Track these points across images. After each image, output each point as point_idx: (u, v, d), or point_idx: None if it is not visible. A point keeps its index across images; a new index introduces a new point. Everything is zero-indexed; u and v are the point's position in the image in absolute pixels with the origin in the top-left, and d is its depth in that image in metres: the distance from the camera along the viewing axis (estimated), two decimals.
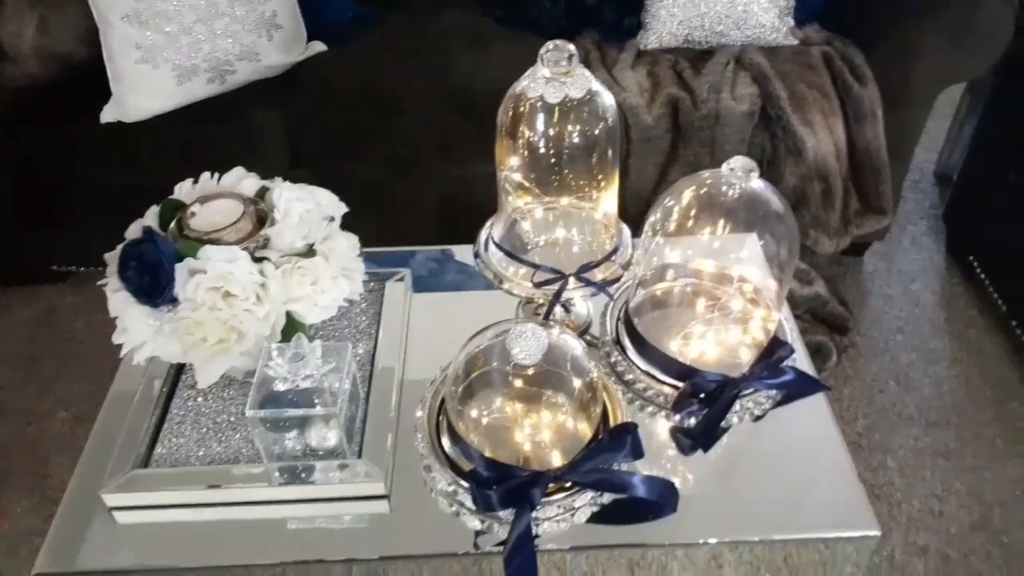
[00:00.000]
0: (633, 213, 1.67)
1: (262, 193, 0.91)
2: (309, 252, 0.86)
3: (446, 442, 0.82)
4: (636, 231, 0.98)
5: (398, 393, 0.91)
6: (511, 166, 0.87)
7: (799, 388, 0.93)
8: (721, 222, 0.87)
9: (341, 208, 0.95)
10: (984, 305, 1.91)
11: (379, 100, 1.74)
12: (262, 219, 0.88)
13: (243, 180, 0.93)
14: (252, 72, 1.73)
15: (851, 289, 1.97)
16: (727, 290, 0.98)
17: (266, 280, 0.82)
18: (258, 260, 0.83)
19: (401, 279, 1.04)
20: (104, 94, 1.68)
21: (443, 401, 0.84)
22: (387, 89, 1.75)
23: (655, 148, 1.64)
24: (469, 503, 0.77)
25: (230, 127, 1.73)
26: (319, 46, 1.84)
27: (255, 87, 1.78)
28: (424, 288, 1.09)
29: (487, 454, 0.78)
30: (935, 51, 1.64)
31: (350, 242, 0.91)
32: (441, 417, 0.84)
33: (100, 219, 1.13)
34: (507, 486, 0.76)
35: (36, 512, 1.53)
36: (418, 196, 1.78)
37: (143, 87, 1.62)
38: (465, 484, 0.78)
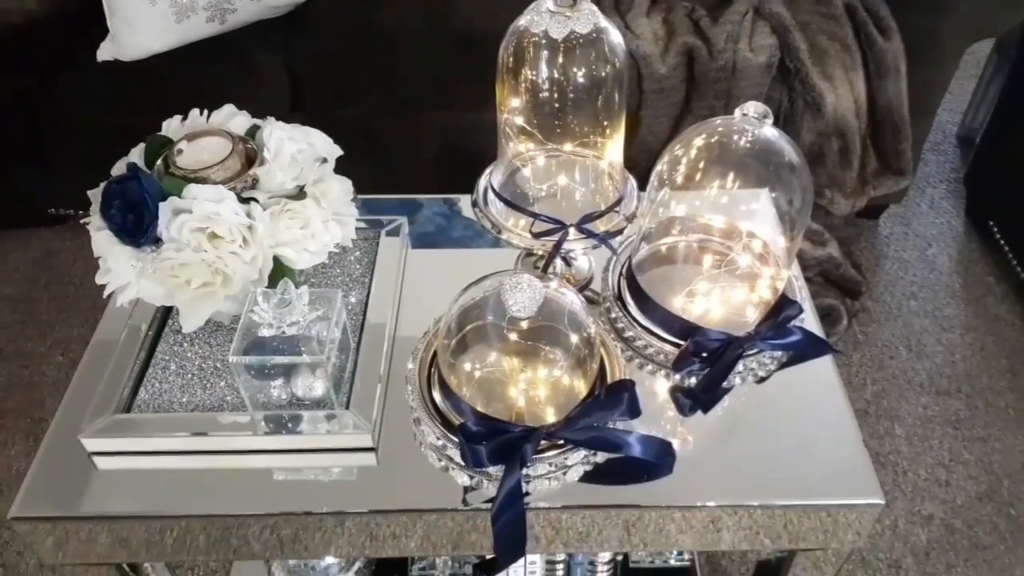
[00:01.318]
0: (644, 167, 1.60)
1: (253, 132, 0.88)
2: (300, 194, 0.83)
3: (437, 396, 0.80)
4: (643, 186, 0.95)
5: (390, 344, 0.88)
6: (512, 108, 0.83)
7: (806, 349, 0.90)
8: (732, 174, 0.83)
9: (335, 150, 0.91)
10: (1002, 272, 1.87)
11: (379, 42, 1.70)
12: (252, 159, 0.85)
13: (234, 118, 0.90)
14: (254, 11, 1.68)
15: (865, 252, 1.93)
16: (735, 246, 0.94)
17: (254, 222, 0.79)
18: (246, 201, 0.80)
19: (397, 228, 1.01)
20: (103, 32, 1.64)
21: (435, 354, 0.81)
22: (387, 30, 1.70)
23: (668, 99, 1.59)
24: (458, 458, 0.75)
25: (230, 69, 1.70)
26: None
27: (257, 28, 1.74)
28: (421, 239, 1.06)
29: (479, 409, 0.76)
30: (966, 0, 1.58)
31: (343, 186, 0.88)
32: (433, 370, 0.81)
33: (97, 161, 1.10)
34: (497, 442, 0.74)
35: (29, 455, 1.53)
36: (416, 142, 1.75)
37: (140, 24, 1.58)
38: (455, 439, 0.76)
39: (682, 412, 0.88)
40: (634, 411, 0.78)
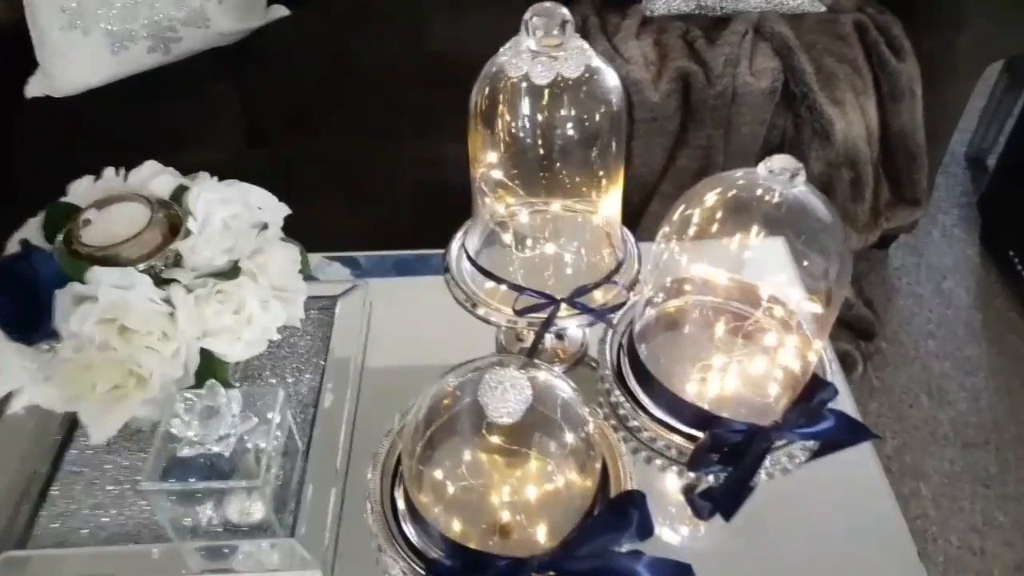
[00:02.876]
0: (636, 203, 1.51)
1: (180, 193, 0.75)
2: (233, 271, 0.70)
3: (404, 515, 0.67)
4: (636, 223, 0.83)
5: (347, 443, 0.75)
6: (488, 162, 0.71)
7: (843, 437, 0.78)
8: (754, 233, 0.71)
9: (280, 211, 0.79)
10: None
11: (346, 71, 1.58)
12: (177, 228, 0.72)
13: (157, 177, 0.77)
14: (201, 40, 1.56)
15: (876, 288, 1.82)
16: (755, 312, 0.82)
17: (174, 310, 0.66)
18: (166, 282, 0.67)
19: (358, 294, 0.88)
20: (32, 65, 1.50)
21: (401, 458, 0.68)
22: (355, 58, 1.58)
23: (662, 130, 1.47)
24: None
25: (179, 103, 1.57)
26: (280, 10, 1.68)
27: (207, 57, 1.61)
28: (389, 302, 0.94)
29: (454, 530, 0.64)
30: (985, 17, 1.48)
31: (288, 255, 0.76)
32: (399, 480, 0.68)
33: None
34: None
35: None
36: (392, 179, 1.62)
37: (73, 56, 1.45)
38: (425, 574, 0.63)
39: (699, 516, 0.76)
40: (645, 531, 0.66)
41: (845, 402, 0.84)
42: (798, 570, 0.73)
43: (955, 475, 1.45)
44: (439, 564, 0.61)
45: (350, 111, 1.59)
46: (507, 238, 0.75)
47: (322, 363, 0.82)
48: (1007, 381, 1.62)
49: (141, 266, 0.67)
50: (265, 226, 0.74)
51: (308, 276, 0.80)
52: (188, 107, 1.59)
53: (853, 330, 1.63)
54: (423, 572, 0.63)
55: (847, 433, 0.78)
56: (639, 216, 1.50)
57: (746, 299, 0.83)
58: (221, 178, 0.78)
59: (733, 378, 0.80)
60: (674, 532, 0.82)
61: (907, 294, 1.82)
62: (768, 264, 0.84)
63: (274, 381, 0.80)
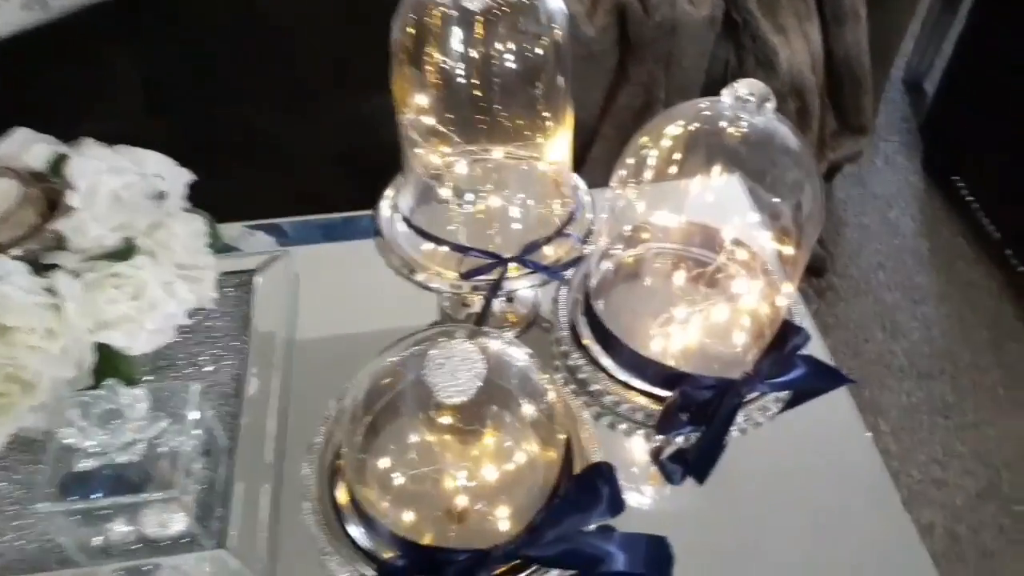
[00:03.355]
0: (576, 147, 1.44)
1: (59, 164, 0.65)
2: (127, 251, 0.61)
3: (348, 512, 0.60)
4: (577, 170, 0.76)
5: (280, 434, 0.68)
6: (417, 107, 0.63)
7: (817, 384, 0.73)
8: (718, 171, 0.65)
9: (182, 177, 0.70)
10: (971, 231, 1.76)
11: (253, 21, 1.45)
12: (56, 205, 0.62)
13: (32, 146, 0.67)
14: None
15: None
16: (718, 257, 0.77)
17: (60, 300, 0.57)
18: (46, 269, 0.58)
19: (280, 265, 0.80)
20: None
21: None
22: (262, 6, 1.46)
23: (600, 67, 1.40)
24: None
25: (66, 67, 1.43)
26: None
27: (95, 15, 1.47)
28: (318, 272, 0.86)
29: (405, 525, 0.57)
30: None
31: (193, 228, 0.67)
32: (341, 472, 0.61)
33: None
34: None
35: None
36: (313, 142, 1.52)
37: None
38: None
39: (671, 481, 0.72)
40: (616, 506, 0.60)
41: (815, 346, 0.79)
42: (778, 526, 0.69)
43: (913, 407, 1.44)
44: (389, 566, 0.55)
45: (258, 69, 1.47)
46: (443, 192, 0.68)
47: (245, 346, 0.73)
48: (958, 308, 1.62)
49: (14, 252, 0.58)
50: (163, 195, 0.65)
51: (223, 250, 0.72)
52: (77, 72, 1.45)
53: (805, 268, 1.60)
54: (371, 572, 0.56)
55: (821, 380, 0.74)
56: (580, 162, 1.43)
57: (708, 244, 0.78)
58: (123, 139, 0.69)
59: (698, 330, 0.74)
60: (644, 497, 0.78)
61: (854, 226, 1.80)
62: (731, 204, 0.78)
63: (190, 371, 0.71)
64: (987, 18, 1.70)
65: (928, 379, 1.49)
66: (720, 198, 0.74)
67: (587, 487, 0.60)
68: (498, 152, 0.68)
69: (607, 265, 0.77)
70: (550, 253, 0.69)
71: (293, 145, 1.54)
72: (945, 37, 2.09)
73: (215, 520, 0.61)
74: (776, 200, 0.66)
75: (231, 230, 0.92)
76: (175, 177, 0.70)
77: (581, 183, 0.74)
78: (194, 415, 0.59)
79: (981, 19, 1.73)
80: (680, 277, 0.77)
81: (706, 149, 0.65)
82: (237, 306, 0.78)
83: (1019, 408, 1.44)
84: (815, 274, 1.61)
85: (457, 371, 0.54)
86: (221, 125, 1.46)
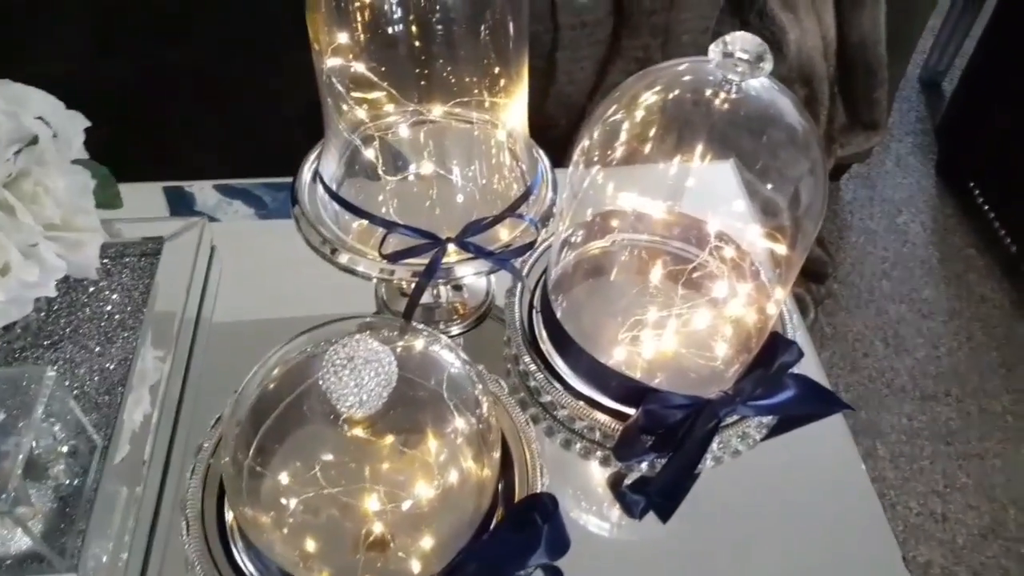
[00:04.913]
0: (563, 126, 1.35)
1: None
2: None
3: (234, 534, 0.51)
4: (563, 153, 0.67)
5: (168, 436, 0.58)
6: (340, 47, 0.53)
7: (808, 409, 0.65)
8: (700, 148, 0.56)
9: (77, 123, 0.60)
10: (984, 242, 1.68)
11: None
12: None
13: None
14: None
15: (826, 223, 1.71)
16: (700, 254, 0.68)
17: None
18: None
19: (193, 235, 0.70)
20: None
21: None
22: None
23: (591, 38, 1.31)
24: None
25: (12, 3, 1.34)
26: None
27: None
28: (246, 252, 0.77)
29: (294, 555, 0.48)
30: None
31: (75, 182, 0.57)
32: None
33: None
34: None
35: None
36: (276, 92, 1.42)
37: None
38: None
39: (630, 514, 0.63)
40: (558, 547, 0.51)
41: (808, 363, 0.70)
42: (756, 572, 0.60)
43: (914, 432, 1.36)
44: None
45: (218, 8, 1.37)
46: (370, 153, 0.58)
47: (135, 326, 0.64)
48: (967, 325, 1.53)
49: None
50: (36, 140, 0.55)
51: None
52: (20, 11, 1.35)
53: (803, 272, 1.51)
54: None
55: (813, 404, 0.65)
56: (566, 143, 1.34)
57: (689, 237, 0.68)
58: (67, 94, 0.59)
59: (672, 338, 0.65)
60: (602, 528, 0.69)
61: (860, 230, 1.71)
62: (718, 191, 0.69)
63: (80, 354, 0.62)
64: (1013, 16, 1.61)
65: (932, 401, 1.40)
66: (705, 182, 0.65)
67: (523, 523, 0.51)
68: (439, 111, 0.59)
69: (570, 256, 0.67)
70: (501, 236, 0.59)
71: (252, 99, 1.44)
72: (967, 35, 2.02)
73: (76, 536, 0.52)
74: (770, 186, 0.57)
75: (207, 197, 0.82)
76: (65, 122, 0.61)
77: (543, 156, 0.65)
78: (51, 407, 0.49)
79: (1006, 17, 1.64)
80: (654, 274, 0.68)
81: (687, 122, 0.55)
82: (140, 279, 0.68)
83: None
84: (815, 279, 1.52)
85: (361, 376, 0.44)
86: (174, 71, 1.36)
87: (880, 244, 1.68)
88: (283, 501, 0.49)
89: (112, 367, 0.62)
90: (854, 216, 1.74)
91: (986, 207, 1.66)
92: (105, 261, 0.69)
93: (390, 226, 0.54)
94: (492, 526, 0.52)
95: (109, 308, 0.66)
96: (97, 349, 0.63)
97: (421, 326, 0.55)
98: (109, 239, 0.62)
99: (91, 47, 1.36)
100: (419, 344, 0.53)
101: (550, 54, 1.33)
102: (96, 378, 0.61)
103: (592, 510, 0.70)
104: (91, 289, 0.67)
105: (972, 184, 1.70)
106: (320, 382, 0.45)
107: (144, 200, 0.85)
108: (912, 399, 1.40)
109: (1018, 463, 1.33)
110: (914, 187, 1.81)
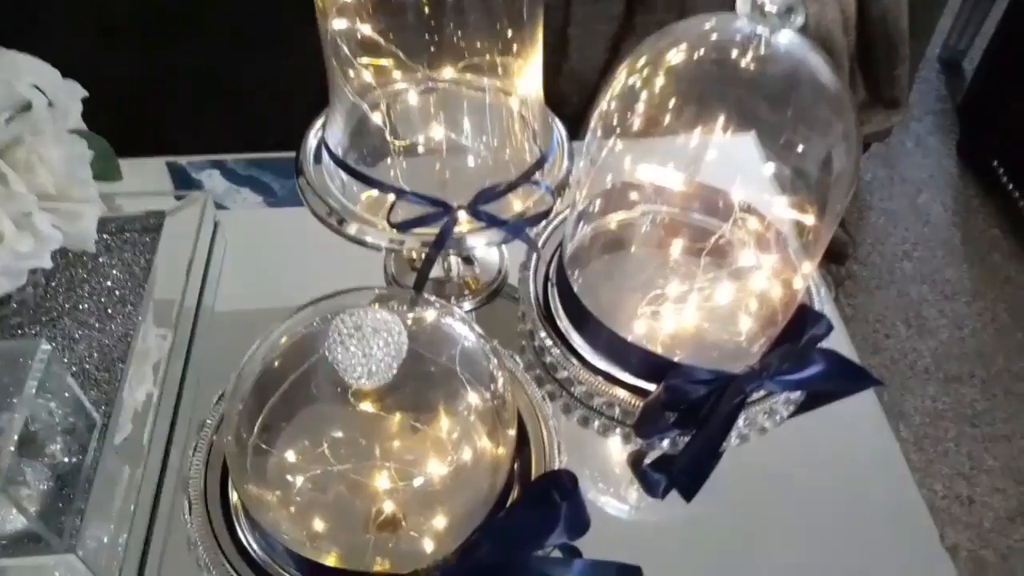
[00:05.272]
0: (575, 104, 1.32)
1: None
2: None
3: (239, 514, 0.49)
4: (576, 131, 0.64)
5: (166, 417, 0.56)
6: (346, 10, 0.51)
7: (837, 385, 0.62)
8: (725, 114, 0.53)
9: (73, 92, 0.59)
10: (1009, 222, 1.64)
11: None
12: None
13: None
14: None
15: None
16: (723, 226, 0.65)
17: None
18: None
19: (195, 210, 0.68)
20: None
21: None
22: None
23: (604, 13, 1.28)
24: None
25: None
26: None
27: None
28: (250, 228, 0.75)
29: (309, 535, 0.46)
30: None
31: (71, 152, 0.55)
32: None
33: None
34: None
35: None
36: (272, 82, 1.39)
37: None
38: None
39: (651, 493, 0.60)
40: (578, 526, 0.49)
41: (838, 338, 0.68)
42: (784, 555, 0.59)
43: (938, 414, 1.33)
44: None
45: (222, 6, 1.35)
46: (377, 118, 0.56)
47: (134, 301, 0.62)
48: (991, 306, 1.49)
49: None
50: (29, 107, 0.53)
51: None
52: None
53: (824, 253, 1.48)
54: None
55: (843, 380, 0.62)
56: (578, 122, 1.31)
57: (712, 208, 0.66)
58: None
59: (695, 313, 0.63)
60: (622, 509, 0.66)
61: (880, 211, 1.67)
62: (741, 159, 0.66)
63: (81, 331, 0.60)
64: None
65: (956, 383, 1.37)
66: (728, 151, 0.62)
67: (540, 501, 0.49)
68: (448, 74, 0.56)
69: (587, 229, 0.65)
70: (514, 205, 0.57)
71: (251, 87, 1.42)
72: (987, 14, 1.98)
73: (74, 516, 0.50)
74: (801, 148, 0.54)
75: (215, 184, 0.80)
76: (62, 91, 0.59)
77: (559, 125, 0.62)
78: (46, 383, 0.47)
79: None
80: (675, 247, 0.65)
81: (712, 82, 0.53)
82: (141, 254, 0.66)
83: None
84: (835, 260, 1.49)
85: (370, 346, 0.42)
86: (178, 62, 1.34)
87: (901, 225, 1.65)
88: (289, 478, 0.47)
89: (112, 344, 0.60)
90: (873, 196, 1.70)
91: (1010, 186, 1.62)
92: (105, 236, 0.67)
93: (398, 193, 0.52)
94: (508, 505, 0.50)
95: (109, 284, 0.64)
96: (97, 325, 0.62)
97: (433, 298, 0.53)
98: (107, 211, 0.60)
99: (90, 34, 1.34)
100: (431, 316, 0.51)
101: (562, 30, 1.30)
102: (96, 355, 0.59)
103: (611, 490, 0.67)
104: (90, 265, 0.65)
105: (996, 163, 1.66)
106: (327, 353, 0.43)
107: (148, 179, 0.83)
108: (936, 381, 1.37)
109: None
110: (935, 167, 1.78)
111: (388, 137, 0.55)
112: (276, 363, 0.49)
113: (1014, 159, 1.64)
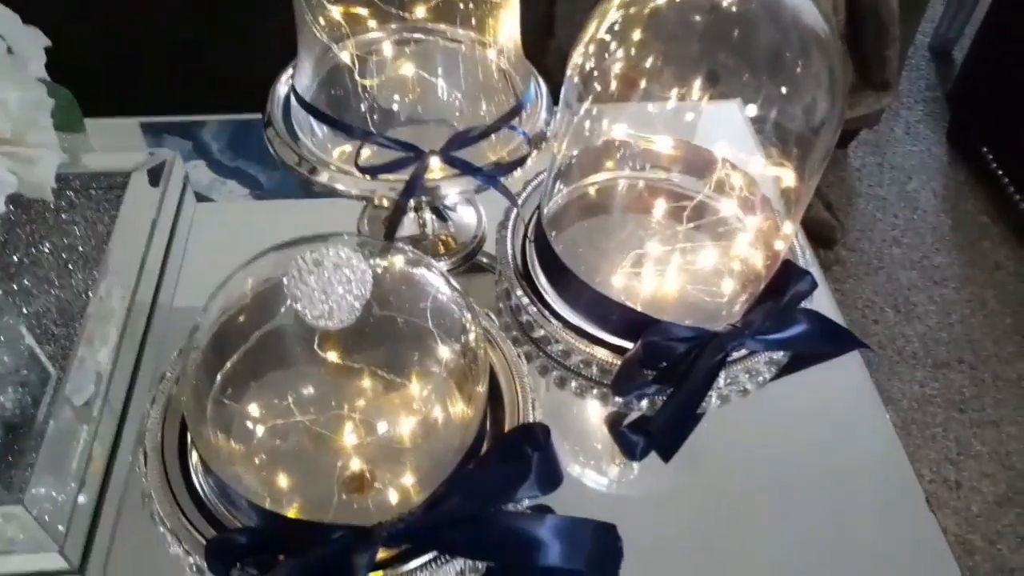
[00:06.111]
0: (562, 83, 1.30)
1: None
2: None
3: (198, 469, 0.47)
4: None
5: (130, 368, 0.54)
6: None
7: (821, 346, 0.61)
8: (708, 62, 0.52)
9: (36, 40, 0.57)
10: (998, 208, 1.63)
11: None
12: None
13: None
14: None
15: (834, 189, 1.67)
16: (706, 184, 0.64)
17: None
18: None
19: (160, 166, 0.67)
20: None
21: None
22: None
23: None
24: None
25: None
26: None
27: None
28: (219, 185, 0.73)
29: (272, 489, 0.45)
30: None
31: (30, 96, 0.53)
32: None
33: None
34: (303, 560, 0.42)
35: None
36: (260, 53, 1.37)
37: None
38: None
39: (630, 456, 0.59)
40: (550, 479, 0.47)
41: (822, 301, 0.66)
42: (763, 519, 0.57)
43: (926, 399, 1.32)
44: (223, 542, 0.42)
45: None
46: (346, 57, 0.54)
47: (98, 256, 0.60)
48: (980, 292, 1.49)
49: None
50: None
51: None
52: None
53: (811, 237, 1.46)
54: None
55: (827, 341, 0.61)
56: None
57: (693, 167, 0.64)
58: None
59: (676, 272, 0.61)
60: (598, 473, 0.65)
61: (869, 197, 1.66)
62: (724, 121, 0.65)
63: (34, 283, 0.58)
64: None
65: (944, 368, 1.36)
66: (711, 109, 0.60)
67: (512, 454, 0.47)
68: (422, 15, 0.54)
69: (566, 188, 0.63)
70: (489, 154, 0.55)
71: (236, 60, 1.40)
72: (977, 2, 1.98)
73: (25, 470, 0.48)
74: (783, 92, 0.52)
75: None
76: (22, 37, 0.57)
77: (537, 75, 0.61)
78: None
79: None
80: (657, 207, 0.64)
81: (690, 31, 0.51)
82: (106, 212, 0.64)
83: None
84: (824, 244, 1.48)
85: (331, 282, 0.40)
86: (148, 32, 1.32)
87: (890, 211, 1.64)
88: (250, 428, 0.46)
89: (71, 300, 0.58)
90: (863, 183, 1.69)
91: (1000, 172, 1.62)
92: (69, 193, 0.65)
93: (365, 136, 0.50)
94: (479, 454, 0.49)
95: (71, 241, 0.62)
96: (57, 282, 0.60)
97: (408, 248, 0.51)
98: (71, 165, 0.58)
99: (59, 4, 1.31)
100: (398, 262, 0.49)
101: (548, 7, 1.29)
102: (53, 311, 0.57)
103: (588, 452, 0.66)
104: (52, 221, 0.63)
105: (985, 150, 1.66)
106: (286, 291, 0.41)
107: (122, 141, 0.81)
108: (924, 366, 1.36)
109: None
110: (925, 154, 1.77)
111: (357, 77, 0.54)
112: (235, 309, 0.47)
113: (1003, 146, 1.63)
